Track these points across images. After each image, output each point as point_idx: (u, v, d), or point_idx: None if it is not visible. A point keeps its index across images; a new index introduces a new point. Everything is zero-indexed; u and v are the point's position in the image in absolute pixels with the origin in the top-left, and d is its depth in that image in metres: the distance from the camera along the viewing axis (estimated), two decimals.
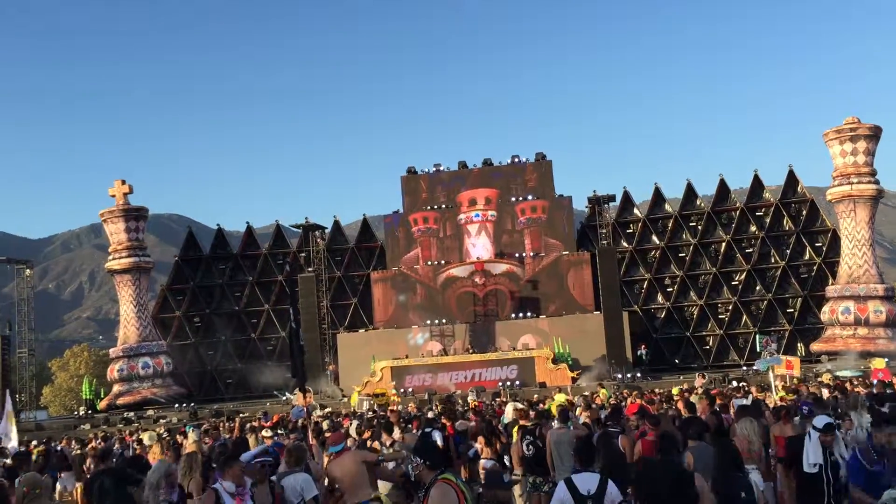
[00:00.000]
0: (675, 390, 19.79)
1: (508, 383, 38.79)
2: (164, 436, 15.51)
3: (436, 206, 48.30)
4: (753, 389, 21.91)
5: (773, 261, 46.72)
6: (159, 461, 9.04)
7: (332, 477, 8.49)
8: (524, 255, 46.84)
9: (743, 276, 47.04)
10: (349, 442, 11.93)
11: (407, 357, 42.11)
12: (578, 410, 15.01)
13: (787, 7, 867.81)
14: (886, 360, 31.99)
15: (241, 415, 34.33)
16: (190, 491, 9.17)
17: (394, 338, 44.94)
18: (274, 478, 7.70)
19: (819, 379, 27.58)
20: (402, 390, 38.93)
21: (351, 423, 18.30)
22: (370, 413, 22.65)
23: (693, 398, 16.56)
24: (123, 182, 48.47)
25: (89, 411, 44.97)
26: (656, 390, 27.22)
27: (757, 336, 35.40)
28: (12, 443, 17.76)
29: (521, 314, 45.00)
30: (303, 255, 48.88)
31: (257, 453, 7.88)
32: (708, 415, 11.00)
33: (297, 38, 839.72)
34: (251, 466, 7.45)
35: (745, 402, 13.93)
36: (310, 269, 45.90)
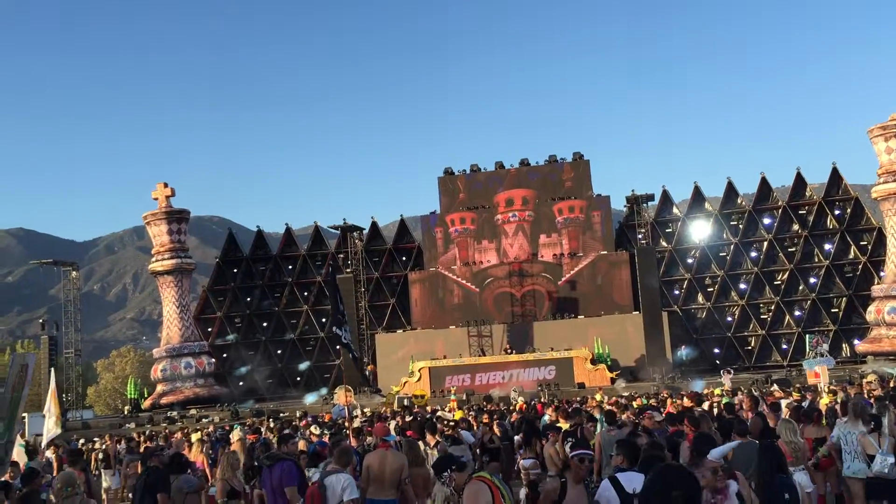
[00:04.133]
0: (716, 391, 19.55)
1: (547, 385, 38.66)
2: (203, 439, 15.75)
3: (473, 207, 48.31)
4: (776, 393, 21.58)
5: (816, 260, 45.92)
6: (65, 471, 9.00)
7: (367, 465, 8.58)
8: (562, 255, 46.64)
9: (786, 276, 46.30)
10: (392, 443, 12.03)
11: (445, 357, 42.18)
12: (626, 414, 14.91)
13: (829, 3, 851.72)
14: None
15: (281, 414, 34.73)
16: (237, 489, 9.33)
17: (432, 338, 45.04)
18: (317, 475, 7.80)
19: (864, 380, 27.06)
20: (440, 391, 39.03)
21: (389, 424, 18.43)
22: (408, 413, 22.72)
23: (736, 399, 16.39)
24: (166, 185, 49.27)
25: (134, 410, 45.78)
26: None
27: (807, 336, 34.83)
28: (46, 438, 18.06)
29: (559, 315, 44.84)
30: (341, 255, 49.25)
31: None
32: (753, 416, 10.89)
33: (332, 39, 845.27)
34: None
35: (796, 403, 13.75)
36: (348, 270, 46.23)
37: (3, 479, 10.25)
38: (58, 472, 14.22)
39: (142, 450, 17.08)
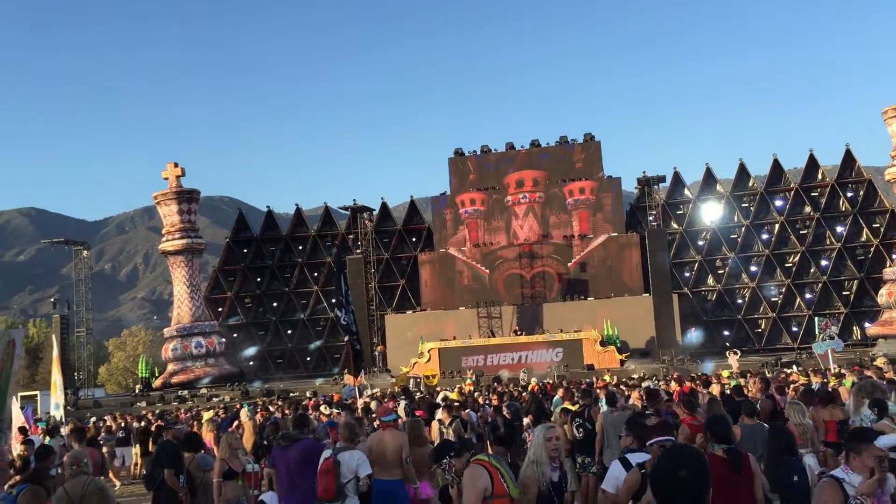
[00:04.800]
0: (724, 373, 19.47)
1: (556, 366, 38.68)
2: (215, 419, 15.84)
3: (483, 188, 48.18)
4: (793, 374, 21.50)
5: (828, 242, 45.65)
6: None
7: (368, 446, 8.64)
8: (572, 236, 46.52)
9: (797, 258, 46.07)
10: (399, 423, 12.08)
11: (455, 338, 42.25)
12: (634, 394, 14.90)
13: None
14: None
15: (291, 394, 34.92)
16: (218, 477, 9.31)
17: (441, 319, 45.11)
18: (329, 452, 7.85)
19: (875, 363, 26.95)
20: (450, 372, 39.13)
21: (398, 404, 18.49)
22: (418, 393, 22.79)
23: (742, 381, 16.35)
24: (176, 165, 49.32)
25: (145, 389, 46.14)
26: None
27: (816, 319, 34.66)
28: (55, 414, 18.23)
29: (568, 296, 44.77)
30: (351, 236, 49.25)
31: None
32: (762, 398, 10.86)
33: (344, 22, 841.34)
34: None
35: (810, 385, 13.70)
36: (358, 251, 46.24)
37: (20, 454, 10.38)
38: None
39: (153, 428, 17.22)
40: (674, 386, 17.04)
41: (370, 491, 8.33)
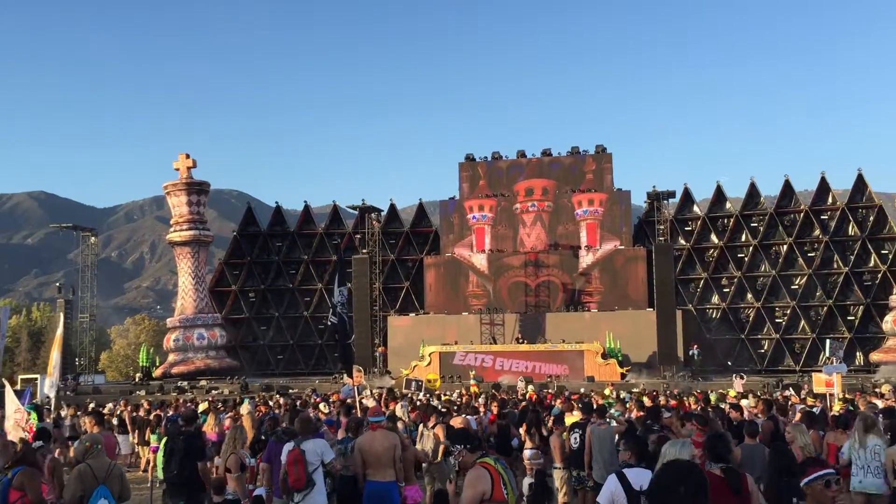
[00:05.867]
0: (712, 397, 19.35)
1: (556, 376, 38.61)
2: (218, 406, 15.84)
3: (492, 195, 48.17)
4: (793, 397, 21.40)
5: (835, 266, 45.46)
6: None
7: (359, 447, 8.64)
8: (579, 247, 46.47)
9: (804, 281, 45.88)
10: (400, 425, 12.08)
11: (456, 343, 42.19)
12: (630, 406, 14.86)
13: (862, 8, 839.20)
14: None
15: (290, 391, 34.91)
16: (228, 466, 9.36)
17: (444, 323, 45.07)
18: (292, 444, 8.09)
19: (877, 389, 26.81)
20: (451, 376, 39.09)
21: (398, 406, 18.47)
22: (419, 398, 22.76)
23: (744, 402, 16.29)
24: (188, 156, 49.44)
25: (145, 378, 46.21)
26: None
27: (828, 342, 34.44)
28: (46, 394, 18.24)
29: (572, 307, 44.70)
30: (358, 236, 49.27)
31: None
32: (764, 419, 10.82)
33: (358, 19, 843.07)
34: None
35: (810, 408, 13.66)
36: (364, 251, 46.28)
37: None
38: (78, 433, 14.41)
39: (152, 417, 17.22)
40: (691, 401, 16.99)
41: (363, 491, 8.37)
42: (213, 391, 38.88)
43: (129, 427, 18.62)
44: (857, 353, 43.79)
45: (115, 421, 19.74)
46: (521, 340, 42.39)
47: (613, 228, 46.50)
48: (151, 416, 17.33)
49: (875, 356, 41.41)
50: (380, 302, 47.23)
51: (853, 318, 44.88)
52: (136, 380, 46.94)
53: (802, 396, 20.48)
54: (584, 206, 46.87)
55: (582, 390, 30.13)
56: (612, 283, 45.65)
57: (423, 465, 11.49)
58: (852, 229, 45.65)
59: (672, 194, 45.02)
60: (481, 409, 16.80)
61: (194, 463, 9.12)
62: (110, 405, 24.37)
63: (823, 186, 46.91)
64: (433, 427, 11.84)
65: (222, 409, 17.35)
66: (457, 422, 12.27)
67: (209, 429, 13.59)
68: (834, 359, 23.59)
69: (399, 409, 15.93)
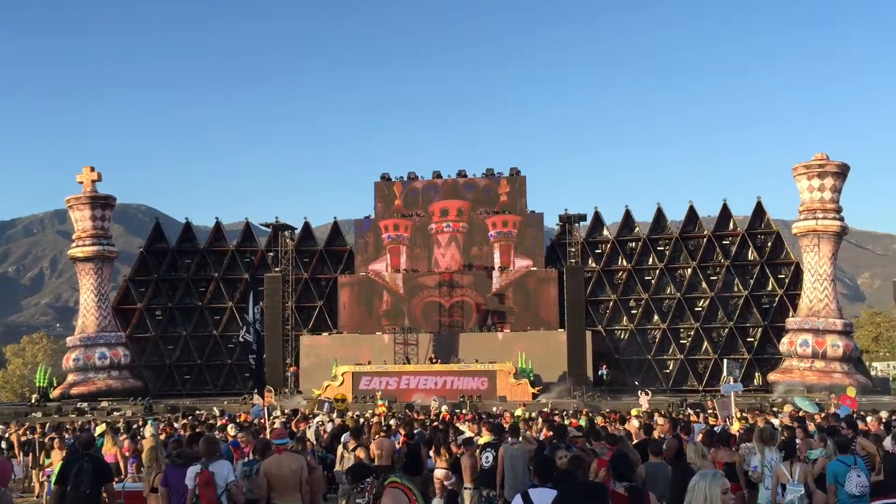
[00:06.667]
0: (633, 411, 19.90)
1: (469, 395, 38.76)
2: (118, 426, 15.27)
3: (408, 214, 48.26)
4: (694, 416, 22.10)
5: (736, 289, 47.30)
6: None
7: (265, 470, 8.54)
8: (492, 268, 46.97)
9: (706, 303, 47.55)
10: (308, 446, 11.90)
11: (369, 363, 41.92)
12: (539, 425, 15.04)
13: (768, 39, 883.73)
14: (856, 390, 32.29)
15: (196, 411, 33.92)
16: (154, 485, 9.10)
17: (357, 343, 44.75)
18: (199, 467, 8.10)
19: (774, 409, 27.93)
20: (363, 396, 38.75)
21: (309, 428, 18.20)
22: (330, 421, 22.44)
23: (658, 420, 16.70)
24: (92, 169, 47.80)
25: (42, 399, 44.09)
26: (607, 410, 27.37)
27: (726, 361, 35.74)
28: None
29: (485, 327, 45.06)
30: (271, 254, 48.48)
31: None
32: (669, 438, 11.11)
33: (273, 33, 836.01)
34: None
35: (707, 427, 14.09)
36: (277, 269, 45.57)
37: None
38: None
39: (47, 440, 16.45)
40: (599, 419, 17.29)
41: None
42: (115, 412, 37.44)
43: (16, 450, 17.74)
44: (756, 374, 45.56)
45: (3, 444, 18.80)
46: (434, 360, 42.43)
47: (526, 250, 47.21)
48: (46, 440, 16.56)
49: (772, 376, 43.16)
50: (292, 321, 46.53)
51: (752, 339, 46.72)
52: (32, 401, 44.74)
53: (705, 417, 21.15)
54: (497, 227, 47.46)
55: (494, 409, 30.41)
56: (524, 303, 46.25)
57: (342, 487, 11.36)
58: (752, 254, 47.64)
59: (583, 217, 45.93)
60: (396, 429, 16.71)
61: (102, 484, 8.86)
62: (1, 427, 23.18)
63: (725, 213, 48.84)
64: (354, 449, 11.72)
65: (121, 431, 16.74)
66: (377, 445, 12.19)
67: (107, 451, 13.08)
68: (731, 378, 24.56)
69: (310, 432, 15.72)
